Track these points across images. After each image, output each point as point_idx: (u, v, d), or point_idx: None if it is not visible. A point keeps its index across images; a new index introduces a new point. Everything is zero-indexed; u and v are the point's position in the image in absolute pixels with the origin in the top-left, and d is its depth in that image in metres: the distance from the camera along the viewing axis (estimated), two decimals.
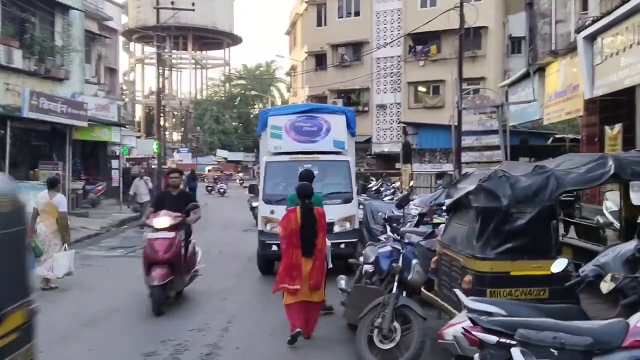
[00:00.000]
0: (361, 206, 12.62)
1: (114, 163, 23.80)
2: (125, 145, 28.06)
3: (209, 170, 41.72)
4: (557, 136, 22.46)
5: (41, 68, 18.09)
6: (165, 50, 31.35)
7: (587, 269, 4.89)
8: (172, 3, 28.94)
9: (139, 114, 46.96)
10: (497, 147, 18.58)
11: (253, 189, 10.75)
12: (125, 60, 46.17)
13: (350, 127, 11.51)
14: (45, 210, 9.35)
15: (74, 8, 19.64)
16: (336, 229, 9.96)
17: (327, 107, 12.57)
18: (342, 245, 9.81)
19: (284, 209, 8.18)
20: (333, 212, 9.38)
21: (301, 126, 11.04)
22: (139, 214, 17.99)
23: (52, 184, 9.73)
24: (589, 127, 13.05)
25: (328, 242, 7.67)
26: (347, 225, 10.27)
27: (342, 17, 36.83)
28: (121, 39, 35.61)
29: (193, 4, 28.30)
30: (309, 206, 6.84)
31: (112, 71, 28.85)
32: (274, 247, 9.42)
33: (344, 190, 10.49)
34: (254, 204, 14.53)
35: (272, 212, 10.00)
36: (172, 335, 7.01)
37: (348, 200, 10.41)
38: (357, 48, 36.00)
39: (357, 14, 36.47)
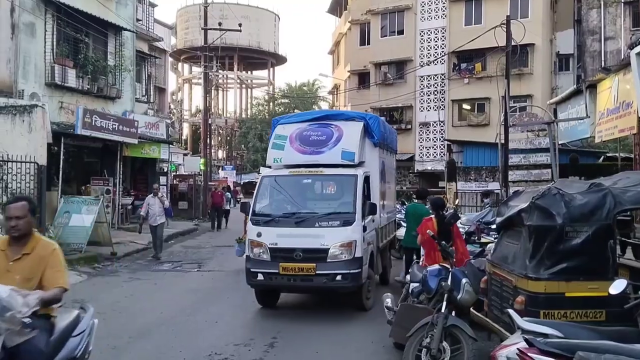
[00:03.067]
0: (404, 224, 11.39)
1: (162, 179, 24.34)
2: (173, 162, 28.66)
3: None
4: (609, 155, 21.83)
5: (94, 87, 18.71)
6: (212, 70, 31.99)
7: None
8: (220, 24, 29.57)
9: (186, 132, 48.02)
10: (545, 166, 18.20)
11: (245, 208, 9.38)
12: (174, 80, 47.41)
13: (373, 135, 9.91)
14: None
15: (126, 29, 20.29)
16: (330, 256, 8.35)
17: (344, 114, 11.06)
18: (338, 277, 8.27)
19: (273, 231, 8.52)
20: (328, 236, 8.37)
21: (309, 135, 9.63)
22: (151, 245, 15.36)
23: None
24: None
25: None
26: (345, 252, 8.34)
27: (385, 36, 36.88)
28: (169, 59, 36.57)
29: (240, 25, 28.78)
30: (443, 215, 8.28)
31: (160, 90, 29.63)
32: (260, 277, 8.54)
33: (345, 210, 8.76)
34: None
35: (259, 234, 8.69)
36: (218, 349, 7.05)
37: (348, 223, 8.53)
38: (400, 66, 35.97)
39: (400, 32, 36.48)
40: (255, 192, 9.41)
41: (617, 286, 4.67)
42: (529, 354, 3.81)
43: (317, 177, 9.41)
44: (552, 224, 5.41)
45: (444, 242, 7.01)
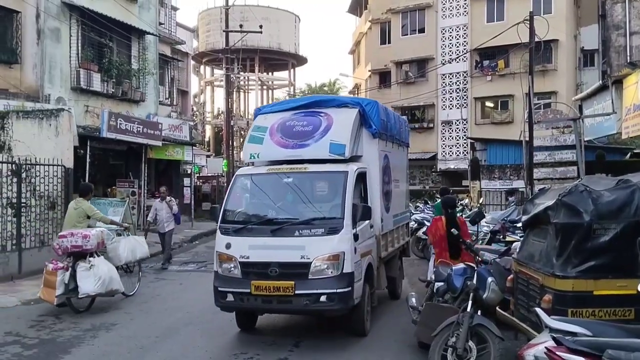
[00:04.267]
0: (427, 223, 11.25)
1: (186, 181, 24.57)
2: (197, 164, 28.89)
3: None
4: (636, 151, 21.43)
5: (118, 90, 18.96)
6: (234, 72, 32.20)
7: None
8: (241, 26, 29.73)
9: (209, 133, 48.35)
10: (571, 163, 17.92)
11: (214, 214, 8.26)
12: (196, 83, 47.75)
13: (371, 124, 8.38)
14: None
15: (149, 33, 20.52)
16: (313, 272, 6.87)
17: (336, 99, 9.16)
18: (323, 298, 6.81)
19: (245, 242, 7.13)
20: (310, 247, 6.90)
21: (292, 125, 8.13)
22: (162, 255, 14.22)
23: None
24: None
25: None
26: (331, 267, 6.87)
27: (406, 35, 36.73)
28: (192, 62, 36.90)
29: (261, 27, 28.91)
30: (452, 214, 8.04)
31: (183, 93, 29.91)
32: (230, 297, 7.15)
33: (331, 215, 7.24)
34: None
35: (228, 246, 7.25)
36: (243, 349, 7.12)
37: (334, 231, 6.99)
38: (421, 65, 35.76)
39: (421, 30, 36.29)
40: (225, 194, 8.05)
41: None
42: (557, 353, 3.77)
43: (299, 175, 7.80)
44: (580, 222, 5.35)
45: (468, 240, 6.98)
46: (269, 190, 7.96)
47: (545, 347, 3.95)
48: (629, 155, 22.03)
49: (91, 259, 8.91)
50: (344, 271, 6.91)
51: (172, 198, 15.22)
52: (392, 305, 9.42)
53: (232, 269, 7.20)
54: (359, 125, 8.20)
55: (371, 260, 7.86)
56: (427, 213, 16.35)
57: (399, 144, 10.30)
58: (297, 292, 6.83)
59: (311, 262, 6.88)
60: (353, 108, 8.34)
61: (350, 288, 6.94)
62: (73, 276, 8.74)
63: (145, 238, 13.16)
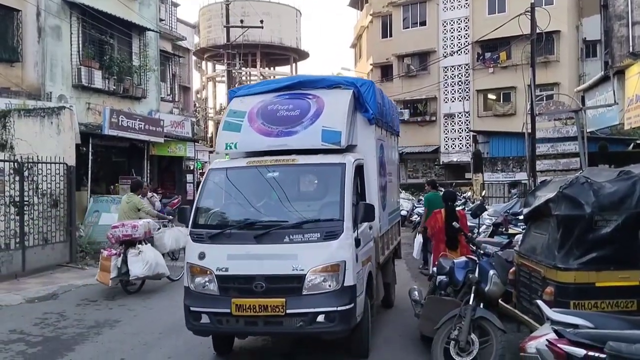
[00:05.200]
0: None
1: (189, 177, 24.58)
2: (199, 160, 28.90)
3: None
4: (639, 142, 21.34)
5: (120, 87, 18.97)
6: (235, 68, 32.17)
7: None
8: (242, 22, 29.68)
9: (211, 129, 48.33)
10: (574, 155, 17.88)
11: (183, 215, 6.55)
12: (197, 79, 47.73)
13: (367, 108, 7.24)
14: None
15: (149, 29, 20.50)
16: (307, 286, 5.76)
17: (326, 79, 7.65)
18: (320, 318, 5.70)
19: (222, 251, 5.95)
20: (303, 256, 5.78)
21: (276, 110, 6.93)
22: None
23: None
24: None
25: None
26: (330, 280, 5.77)
27: (407, 28, 36.63)
28: (193, 58, 36.87)
29: (261, 22, 28.86)
30: (452, 207, 8.09)
31: (185, 89, 29.87)
32: (205, 319, 5.97)
33: (328, 216, 6.10)
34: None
35: (202, 256, 6.03)
36: (247, 344, 7.13)
37: (333, 235, 5.87)
38: (423, 58, 35.68)
39: (423, 23, 36.19)
40: (197, 193, 6.79)
41: None
42: (559, 345, 3.77)
43: (287, 168, 6.59)
44: (581, 214, 5.35)
45: (469, 234, 6.99)
46: (250, 187, 6.69)
47: (547, 340, 3.96)
48: (631, 146, 21.95)
49: (140, 246, 10.04)
50: (344, 284, 5.79)
51: (154, 194, 14.66)
52: (387, 315, 8.43)
53: (207, 284, 5.97)
54: (353, 110, 7.04)
55: (371, 267, 6.84)
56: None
57: (392, 133, 9.19)
58: (288, 311, 5.68)
59: (305, 275, 5.73)
60: (347, 89, 7.17)
61: (352, 305, 5.82)
62: (124, 261, 9.87)
63: None
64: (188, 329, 6.25)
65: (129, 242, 10.06)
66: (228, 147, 6.94)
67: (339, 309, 5.73)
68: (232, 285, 5.93)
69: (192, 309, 6.07)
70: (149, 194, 13.34)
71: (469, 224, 9.87)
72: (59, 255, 12.79)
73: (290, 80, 7.79)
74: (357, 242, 6.09)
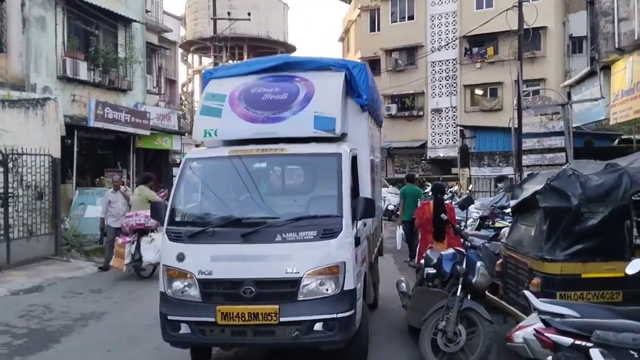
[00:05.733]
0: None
1: (175, 171, 24.40)
2: (186, 153, 28.69)
3: None
4: (624, 137, 21.56)
5: (105, 79, 18.75)
6: (222, 61, 31.99)
7: None
8: (229, 14, 29.49)
9: None
10: (559, 149, 18.03)
11: (157, 211, 5.92)
12: (184, 72, 47.39)
13: (360, 94, 6.67)
14: None
15: (135, 21, 20.28)
16: (303, 291, 5.16)
17: (315, 61, 6.90)
18: (318, 327, 5.14)
19: (205, 251, 5.29)
20: (298, 257, 5.20)
21: (260, 93, 6.25)
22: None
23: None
24: None
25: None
26: (328, 284, 5.19)
27: (395, 22, 36.62)
28: (179, 51, 36.60)
29: (249, 14, 28.71)
30: (440, 199, 8.21)
31: (171, 82, 29.65)
32: (185, 329, 5.31)
33: (325, 212, 5.51)
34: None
35: (180, 257, 5.35)
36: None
37: (331, 233, 5.28)
38: (411, 52, 35.71)
39: (411, 18, 36.19)
40: (174, 186, 5.99)
41: (635, 266, 4.63)
42: (546, 334, 3.81)
43: (276, 158, 6.10)
44: (568, 205, 5.40)
45: (457, 225, 7.04)
46: (234, 180, 6.00)
47: (534, 329, 3.99)
48: (617, 141, 22.16)
49: (152, 234, 10.61)
50: (344, 288, 5.20)
51: (128, 187, 13.83)
52: (372, 316, 7.35)
53: (187, 289, 5.31)
54: (344, 95, 6.44)
55: (366, 269, 6.37)
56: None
57: (377, 123, 8.52)
58: (282, 319, 5.08)
59: (301, 278, 5.13)
60: (338, 72, 6.56)
61: (352, 311, 5.27)
62: (138, 248, 10.56)
63: (102, 238, 12.77)
64: (165, 340, 5.57)
65: (142, 231, 10.71)
66: (207, 135, 6.16)
67: (338, 315, 5.16)
68: (217, 291, 5.28)
69: (169, 317, 5.39)
70: (123, 188, 12.52)
71: (457, 217, 9.97)
72: (44, 248, 12.66)
73: (275, 61, 6.92)
74: (357, 241, 5.58)
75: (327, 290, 5.20)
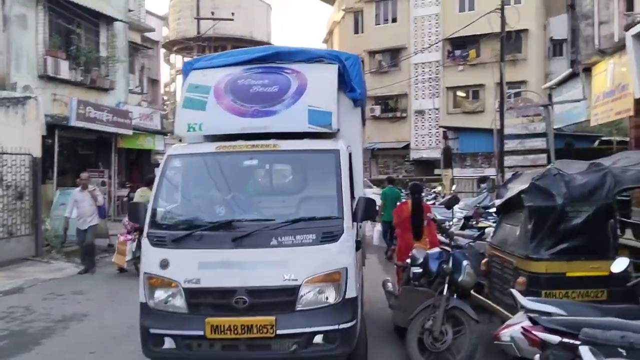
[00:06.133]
0: None
1: (157, 171, 24.19)
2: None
3: None
4: (604, 139, 21.86)
5: (87, 78, 18.54)
6: None
7: None
8: (213, 14, 29.36)
9: None
10: (541, 151, 18.24)
11: (136, 212, 5.45)
12: (166, 72, 47.11)
13: (354, 88, 6.37)
14: None
15: (118, 20, 20.11)
16: (302, 301, 4.78)
17: (306, 52, 6.54)
18: (318, 339, 4.75)
19: (192, 257, 4.84)
20: (296, 263, 4.81)
21: (249, 85, 5.85)
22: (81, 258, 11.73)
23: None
24: (638, 128, 12.67)
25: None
26: (329, 292, 4.82)
27: (379, 24, 36.78)
28: (162, 50, 36.35)
29: (233, 14, 28.61)
30: (418, 199, 8.20)
31: (154, 82, 29.44)
32: (169, 343, 4.84)
33: (324, 213, 5.11)
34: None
35: (164, 264, 4.89)
36: None
37: (331, 236, 4.90)
38: (394, 54, 35.87)
39: (394, 20, 36.38)
40: (155, 184, 5.41)
41: (619, 264, 4.69)
42: (533, 332, 3.82)
43: (268, 155, 5.64)
44: (553, 205, 5.44)
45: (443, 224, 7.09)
46: (222, 179, 5.59)
47: (522, 327, 4.00)
48: (597, 142, 22.46)
49: None
50: (346, 296, 4.82)
51: (96, 187, 12.82)
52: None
53: (172, 299, 4.86)
54: (338, 88, 6.02)
55: (361, 273, 6.11)
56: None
57: (357, 102, 7.32)
58: (279, 331, 4.69)
59: (299, 286, 4.74)
60: (331, 64, 6.22)
61: (355, 321, 4.90)
62: (139, 246, 10.01)
63: (65, 239, 12.45)
64: (146, 356, 5.03)
65: (142, 230, 10.51)
66: (191, 129, 5.63)
67: (340, 327, 4.75)
68: (206, 301, 4.83)
69: (152, 331, 4.88)
70: (91, 187, 11.64)
71: (442, 217, 10.07)
72: (24, 249, 12.47)
73: (262, 51, 6.52)
74: (358, 245, 5.24)
75: (327, 299, 4.80)
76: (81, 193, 11.42)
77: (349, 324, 4.82)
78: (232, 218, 5.10)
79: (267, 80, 5.85)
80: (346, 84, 6.23)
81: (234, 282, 4.75)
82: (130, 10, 22.74)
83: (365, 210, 5.11)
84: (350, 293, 4.85)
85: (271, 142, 5.45)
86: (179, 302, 4.84)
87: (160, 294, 4.91)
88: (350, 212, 5.06)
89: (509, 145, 18.72)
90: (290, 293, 4.75)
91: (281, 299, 4.77)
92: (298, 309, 4.76)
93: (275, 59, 6.29)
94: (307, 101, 5.63)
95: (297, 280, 4.74)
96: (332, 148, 5.39)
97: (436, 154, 32.03)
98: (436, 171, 29.80)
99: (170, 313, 4.87)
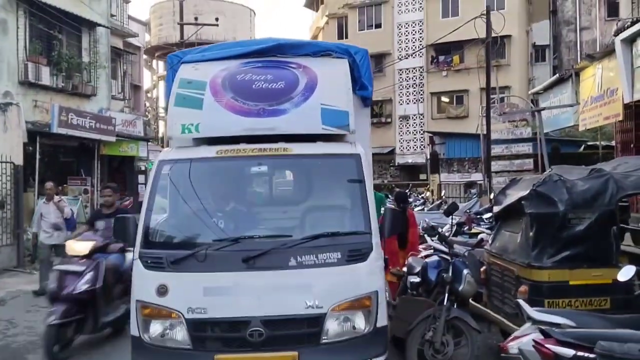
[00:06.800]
0: None
1: (141, 178, 23.86)
2: (151, 160, 28.17)
3: None
4: (589, 143, 22.01)
5: (69, 84, 18.20)
6: None
7: None
8: (196, 19, 29.11)
9: (162, 129, 47.44)
10: (527, 156, 18.25)
11: (123, 229, 4.52)
12: (148, 78, 46.65)
13: (365, 85, 5.67)
14: None
15: (100, 25, 19.80)
16: (328, 332, 4.16)
17: (312, 44, 5.93)
18: None
19: (195, 282, 4.15)
20: (319, 287, 4.17)
21: (251, 80, 5.04)
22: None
23: None
24: (624, 133, 12.73)
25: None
26: (359, 320, 4.22)
27: (363, 30, 36.80)
28: (144, 56, 35.99)
29: (217, 19, 28.41)
30: (404, 208, 7.88)
31: (136, 88, 29.05)
32: None
33: (347, 228, 4.57)
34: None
35: (161, 290, 4.16)
36: None
37: (358, 256, 4.27)
38: (378, 60, 35.83)
39: (378, 26, 36.44)
40: (146, 195, 4.69)
41: (626, 273, 4.58)
42: (546, 346, 3.69)
43: (278, 160, 4.88)
44: (554, 211, 5.34)
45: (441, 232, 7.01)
46: (226, 188, 4.97)
47: (534, 340, 3.86)
48: (582, 147, 22.62)
49: None
50: (377, 325, 4.21)
51: (62, 198, 11.51)
52: None
53: (172, 332, 4.16)
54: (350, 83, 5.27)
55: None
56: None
57: (366, 100, 6.76)
58: None
59: (325, 315, 4.08)
60: (340, 58, 5.46)
61: (386, 354, 4.33)
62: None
63: (35, 255, 11.65)
64: None
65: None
66: (187, 130, 4.74)
67: None
68: (214, 334, 4.17)
69: None
70: (56, 198, 10.51)
71: (431, 223, 9.96)
72: (5, 259, 12.16)
73: (263, 43, 5.65)
74: (386, 263, 4.65)
75: (356, 328, 4.17)
76: (46, 205, 10.26)
77: (381, 358, 4.24)
78: (241, 234, 4.41)
79: (271, 76, 5.07)
80: (356, 80, 5.46)
81: (247, 312, 4.09)
82: (112, 16, 22.46)
83: (393, 223, 4.56)
84: (382, 321, 4.26)
85: (280, 145, 4.70)
86: (181, 336, 4.13)
87: (157, 327, 4.18)
88: (377, 224, 4.45)
89: (495, 150, 18.73)
90: (315, 323, 4.10)
91: (304, 331, 4.14)
92: (324, 341, 4.10)
93: (277, 52, 5.50)
94: (320, 99, 4.84)
95: (322, 307, 4.08)
96: (352, 152, 4.71)
97: (421, 159, 32.07)
98: (421, 176, 29.84)
99: (170, 349, 4.15)
